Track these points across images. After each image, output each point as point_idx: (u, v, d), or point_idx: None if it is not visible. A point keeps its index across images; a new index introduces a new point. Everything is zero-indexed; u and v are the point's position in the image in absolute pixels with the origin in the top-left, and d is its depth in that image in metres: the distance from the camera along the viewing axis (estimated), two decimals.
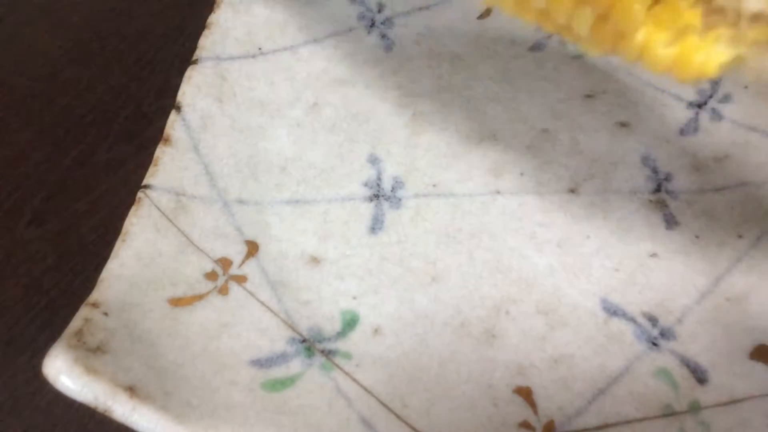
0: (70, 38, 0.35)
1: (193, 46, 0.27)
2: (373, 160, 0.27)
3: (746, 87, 0.27)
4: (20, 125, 0.32)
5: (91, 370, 0.18)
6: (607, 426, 0.20)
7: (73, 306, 0.26)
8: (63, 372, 0.17)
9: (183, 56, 0.27)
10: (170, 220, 0.23)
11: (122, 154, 0.31)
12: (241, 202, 0.25)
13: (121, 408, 0.17)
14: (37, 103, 0.32)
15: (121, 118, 0.32)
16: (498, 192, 0.26)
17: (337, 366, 0.21)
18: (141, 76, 0.33)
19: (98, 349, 0.18)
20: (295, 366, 0.21)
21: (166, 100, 0.26)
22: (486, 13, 0.31)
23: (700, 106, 0.28)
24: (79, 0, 0.36)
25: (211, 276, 0.23)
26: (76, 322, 0.19)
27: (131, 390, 0.18)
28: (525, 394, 0.21)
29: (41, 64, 0.34)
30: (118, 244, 0.22)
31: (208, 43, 0.28)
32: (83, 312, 0.19)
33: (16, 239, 0.28)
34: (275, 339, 0.22)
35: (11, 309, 0.26)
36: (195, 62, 0.27)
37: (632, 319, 0.23)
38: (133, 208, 0.23)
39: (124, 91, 0.33)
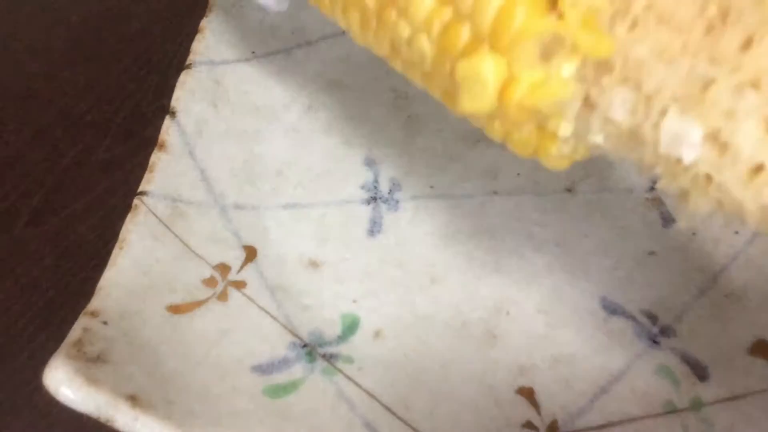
0: (68, 38, 0.34)
1: (191, 47, 0.27)
2: (370, 163, 0.27)
3: None
4: (18, 125, 0.31)
5: (91, 381, 0.17)
6: (610, 425, 0.20)
7: (71, 306, 0.26)
8: (64, 383, 0.17)
9: (181, 56, 0.27)
10: (167, 227, 0.23)
11: (120, 154, 0.30)
12: (238, 207, 0.25)
13: (123, 418, 0.17)
14: (35, 103, 0.32)
15: (119, 118, 0.32)
16: (495, 192, 0.26)
17: (339, 370, 0.21)
18: (139, 76, 0.33)
19: (98, 359, 0.18)
20: (296, 371, 0.21)
21: (164, 100, 0.26)
22: None
23: None
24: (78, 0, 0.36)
25: (210, 282, 0.23)
26: (75, 332, 0.19)
27: (133, 399, 0.18)
28: (527, 394, 0.21)
29: (39, 64, 0.33)
30: (116, 251, 0.22)
31: (201, 48, 0.28)
32: (82, 321, 0.19)
33: (14, 239, 0.28)
34: (276, 344, 0.22)
35: (9, 309, 0.26)
36: (188, 67, 0.27)
37: (632, 318, 0.23)
38: (130, 216, 0.23)
39: (123, 91, 0.32)
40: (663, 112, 0.13)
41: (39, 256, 0.28)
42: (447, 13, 0.15)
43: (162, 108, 0.29)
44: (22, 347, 0.25)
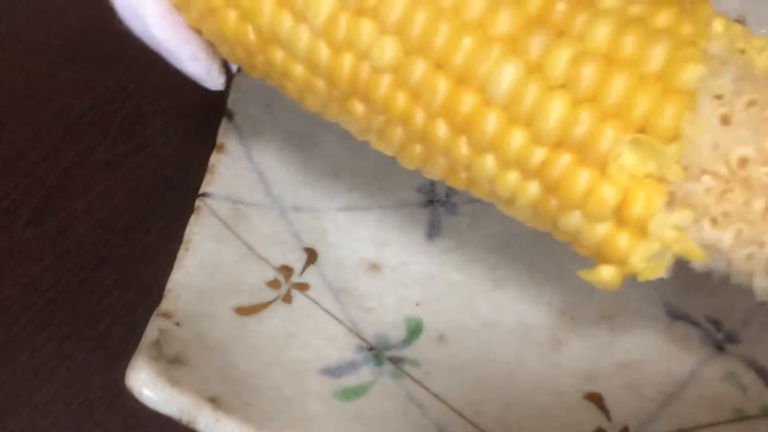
0: (68, 38, 0.34)
1: None
2: None
3: None
4: (18, 125, 0.31)
5: (174, 382, 0.17)
6: (682, 431, 0.20)
7: (71, 306, 0.26)
8: (147, 384, 0.17)
9: None
10: (230, 229, 0.23)
11: (120, 154, 0.30)
12: (297, 209, 0.25)
13: (204, 420, 0.17)
14: (36, 103, 0.32)
15: (119, 118, 0.31)
16: None
17: (407, 374, 0.21)
18: (139, 75, 0.32)
19: (177, 360, 0.18)
20: (365, 374, 0.21)
21: (164, 100, 0.26)
22: None
23: None
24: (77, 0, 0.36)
25: (274, 284, 0.22)
26: (151, 333, 0.19)
27: (214, 401, 0.17)
28: (596, 400, 0.21)
29: (39, 64, 0.33)
30: (181, 252, 0.22)
31: None
32: (157, 323, 0.19)
33: (14, 239, 0.28)
34: (343, 347, 0.21)
35: (9, 309, 0.26)
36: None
37: (696, 324, 0.23)
38: (193, 217, 0.23)
39: (123, 91, 0.32)
40: (751, 275, 0.16)
41: (39, 255, 0.27)
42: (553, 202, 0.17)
43: (162, 108, 0.29)
44: (22, 347, 0.25)
